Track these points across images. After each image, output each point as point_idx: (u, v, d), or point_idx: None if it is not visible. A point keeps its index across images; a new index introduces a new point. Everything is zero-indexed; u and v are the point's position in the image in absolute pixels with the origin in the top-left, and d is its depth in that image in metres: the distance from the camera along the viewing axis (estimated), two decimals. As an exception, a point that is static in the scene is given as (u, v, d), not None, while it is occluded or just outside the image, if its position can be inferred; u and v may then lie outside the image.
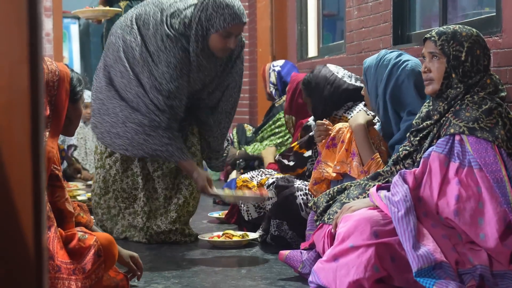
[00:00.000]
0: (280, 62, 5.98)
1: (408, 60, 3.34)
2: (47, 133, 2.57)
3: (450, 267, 2.57)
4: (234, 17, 3.66)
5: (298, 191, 3.69)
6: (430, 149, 2.77)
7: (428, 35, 2.91)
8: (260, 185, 3.91)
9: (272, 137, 5.73)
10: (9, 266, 1.05)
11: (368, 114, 3.44)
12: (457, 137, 2.70)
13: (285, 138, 5.69)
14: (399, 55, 3.38)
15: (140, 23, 3.85)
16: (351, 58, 5.49)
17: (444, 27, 2.92)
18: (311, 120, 4.20)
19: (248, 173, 4.34)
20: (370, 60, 3.43)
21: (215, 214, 4.71)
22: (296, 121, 4.71)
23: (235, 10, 3.66)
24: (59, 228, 2.56)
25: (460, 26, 2.90)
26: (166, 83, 3.72)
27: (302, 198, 3.65)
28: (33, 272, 1.05)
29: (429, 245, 2.57)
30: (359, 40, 5.34)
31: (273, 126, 5.75)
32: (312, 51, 7.05)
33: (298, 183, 3.76)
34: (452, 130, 2.71)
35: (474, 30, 2.89)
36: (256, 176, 4.24)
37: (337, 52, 6.08)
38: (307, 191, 3.65)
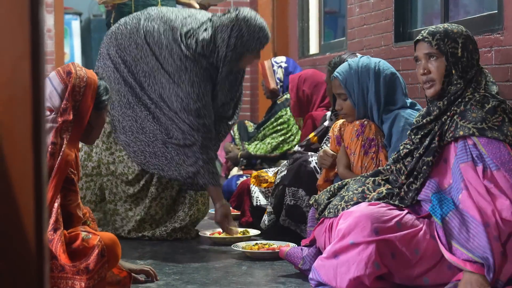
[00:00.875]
0: (283, 58, 5.96)
1: (377, 60, 3.37)
2: (68, 136, 2.57)
3: None
4: (267, 38, 3.85)
5: (311, 157, 3.75)
6: (454, 163, 2.72)
7: (419, 37, 2.89)
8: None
9: (274, 135, 5.72)
10: (10, 261, 1.06)
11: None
12: (469, 142, 2.68)
13: (287, 135, 5.67)
14: (367, 57, 3.40)
15: (150, 41, 3.84)
16: (352, 55, 5.48)
17: (433, 27, 2.90)
18: (328, 113, 4.18)
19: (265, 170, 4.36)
20: (343, 72, 3.36)
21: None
22: (303, 118, 4.71)
23: (266, 31, 3.84)
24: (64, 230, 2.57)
25: (447, 24, 2.89)
26: (194, 103, 3.74)
27: (316, 163, 3.69)
28: (34, 267, 1.05)
29: None
30: (360, 37, 5.34)
31: (275, 124, 5.74)
32: (313, 48, 7.05)
33: (311, 153, 3.81)
34: (461, 133, 2.69)
35: (461, 26, 2.88)
36: (272, 170, 4.27)
37: (339, 49, 6.08)
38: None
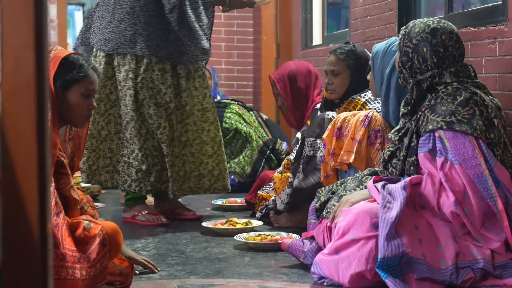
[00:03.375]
0: None
1: None
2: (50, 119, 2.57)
3: (423, 262, 2.57)
4: None
5: (328, 112, 3.77)
6: (419, 152, 2.76)
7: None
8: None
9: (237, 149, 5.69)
10: (15, 251, 1.06)
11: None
12: (436, 134, 2.69)
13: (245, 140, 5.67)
14: None
15: None
16: (355, 47, 5.47)
17: (414, 21, 2.92)
18: (318, 105, 4.17)
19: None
20: (379, 46, 3.43)
21: (219, 202, 4.71)
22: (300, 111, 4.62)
23: None
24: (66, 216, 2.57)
25: (424, 20, 2.86)
26: None
27: (332, 116, 3.70)
28: (38, 257, 1.06)
29: (403, 237, 2.57)
30: (364, 28, 5.33)
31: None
32: (317, 39, 7.03)
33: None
34: (430, 127, 2.70)
35: (432, 25, 2.83)
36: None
37: (342, 40, 6.05)
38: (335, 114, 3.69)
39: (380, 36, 4.96)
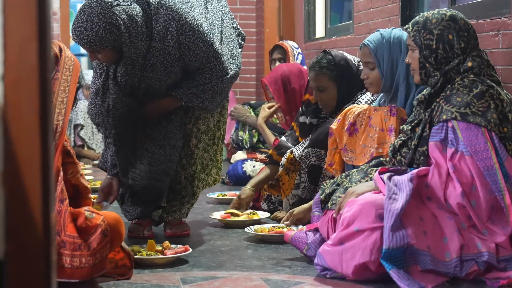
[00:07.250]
0: (294, 43, 5.84)
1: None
2: None
3: (427, 254, 2.57)
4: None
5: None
6: (430, 140, 2.76)
7: (405, 27, 2.92)
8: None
9: None
10: (18, 242, 1.06)
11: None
12: (450, 124, 2.70)
13: None
14: (399, 30, 3.38)
15: None
16: (359, 39, 5.47)
17: (420, 15, 2.91)
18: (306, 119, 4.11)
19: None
20: (374, 40, 3.33)
21: (215, 194, 4.68)
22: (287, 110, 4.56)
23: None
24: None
25: (435, 11, 2.87)
26: None
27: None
28: (41, 248, 1.06)
29: (408, 229, 2.57)
30: (367, 20, 5.32)
31: None
32: (320, 31, 7.02)
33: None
34: (444, 117, 2.70)
35: (448, 13, 2.84)
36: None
37: (345, 33, 6.05)
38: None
39: (383, 28, 4.94)
